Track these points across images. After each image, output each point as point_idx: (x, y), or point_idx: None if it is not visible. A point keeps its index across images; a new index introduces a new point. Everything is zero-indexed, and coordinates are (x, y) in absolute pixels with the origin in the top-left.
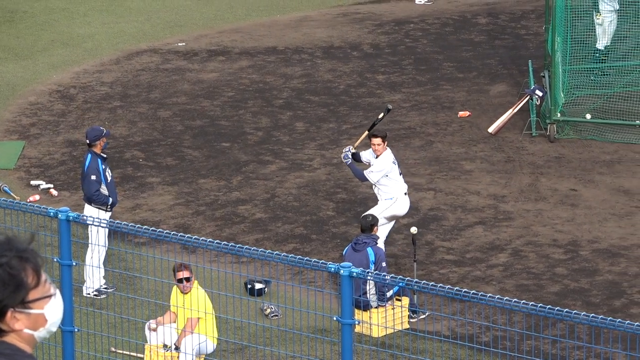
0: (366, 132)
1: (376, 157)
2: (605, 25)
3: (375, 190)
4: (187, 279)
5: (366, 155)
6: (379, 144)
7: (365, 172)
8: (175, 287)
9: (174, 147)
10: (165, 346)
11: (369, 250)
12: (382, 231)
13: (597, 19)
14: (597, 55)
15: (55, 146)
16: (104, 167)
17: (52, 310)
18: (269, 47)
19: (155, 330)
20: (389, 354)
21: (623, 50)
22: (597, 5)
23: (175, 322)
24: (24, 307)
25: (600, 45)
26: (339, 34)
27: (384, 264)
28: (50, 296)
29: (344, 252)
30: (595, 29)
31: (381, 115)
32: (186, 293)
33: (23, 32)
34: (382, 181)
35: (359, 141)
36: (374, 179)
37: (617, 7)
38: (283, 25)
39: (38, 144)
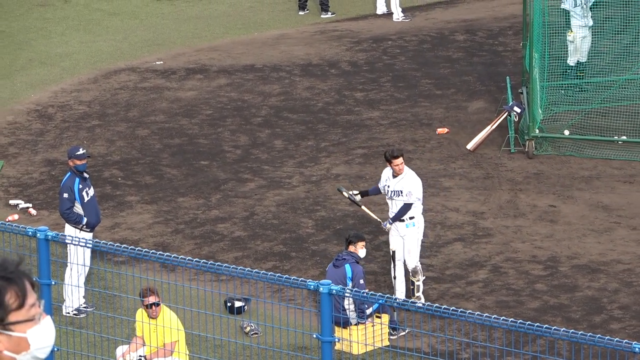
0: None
1: (394, 177)
2: (577, 42)
3: (392, 204)
4: (157, 304)
5: (383, 180)
6: (401, 163)
7: (409, 201)
8: (140, 310)
9: (152, 165)
10: None
11: (347, 266)
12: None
13: (569, 36)
14: (572, 71)
15: (33, 165)
16: (81, 186)
17: (37, 335)
18: (247, 65)
19: None
20: None
21: (600, 66)
22: (570, 23)
23: (142, 346)
24: (4, 329)
25: (571, 61)
26: (317, 51)
27: (361, 281)
28: (33, 320)
29: (327, 268)
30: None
31: (346, 195)
32: (154, 317)
33: (0, 51)
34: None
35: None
36: (419, 198)
37: (591, 24)
38: (261, 43)
39: (16, 164)
